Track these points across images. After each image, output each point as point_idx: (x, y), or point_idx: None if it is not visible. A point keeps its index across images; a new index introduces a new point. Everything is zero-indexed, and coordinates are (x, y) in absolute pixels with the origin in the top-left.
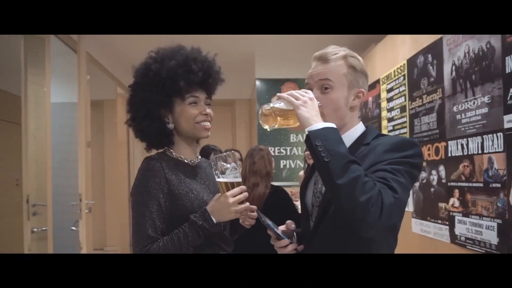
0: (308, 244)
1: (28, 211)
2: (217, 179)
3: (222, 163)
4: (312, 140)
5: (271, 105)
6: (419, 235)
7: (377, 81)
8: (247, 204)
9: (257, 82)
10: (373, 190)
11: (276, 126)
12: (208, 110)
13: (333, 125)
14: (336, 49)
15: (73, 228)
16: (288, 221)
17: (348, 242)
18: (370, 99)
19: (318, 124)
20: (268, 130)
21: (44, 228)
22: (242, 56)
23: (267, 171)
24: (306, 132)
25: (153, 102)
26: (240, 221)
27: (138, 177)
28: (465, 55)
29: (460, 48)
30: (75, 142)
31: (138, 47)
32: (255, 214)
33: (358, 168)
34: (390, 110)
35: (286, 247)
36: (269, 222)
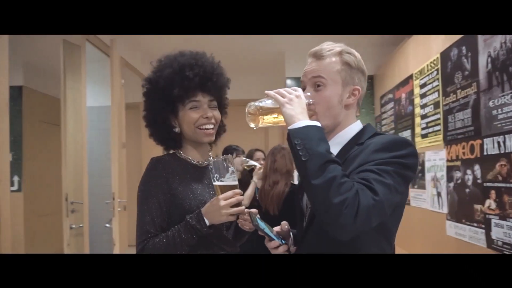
0: (300, 245)
1: (67, 209)
2: (213, 183)
3: (219, 166)
4: (291, 138)
5: (257, 103)
6: (453, 238)
7: (410, 77)
8: (240, 208)
9: (288, 81)
10: (350, 191)
11: (261, 124)
12: (210, 114)
13: (317, 124)
14: (331, 45)
15: (107, 225)
16: (283, 222)
17: (334, 244)
18: (403, 95)
19: (301, 122)
20: (254, 128)
21: (81, 225)
22: (273, 56)
23: (288, 170)
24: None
25: (157, 108)
26: (239, 224)
27: (142, 176)
28: (501, 45)
29: (496, 38)
30: (110, 143)
31: (170, 49)
32: (249, 223)
33: (336, 168)
34: (423, 106)
35: (277, 248)
36: (261, 224)
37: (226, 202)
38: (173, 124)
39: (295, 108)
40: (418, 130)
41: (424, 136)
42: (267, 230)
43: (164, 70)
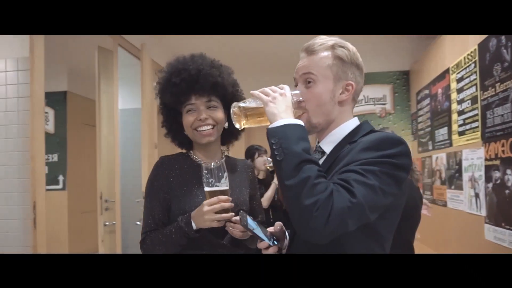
0: (290, 245)
1: (101, 207)
2: (204, 188)
3: (210, 171)
4: (269, 138)
5: (241, 103)
6: (492, 243)
7: (447, 71)
8: (224, 215)
9: None
10: (323, 193)
11: (246, 125)
12: (203, 116)
13: (298, 122)
14: (324, 39)
15: (137, 223)
16: (277, 222)
17: (321, 246)
18: (440, 91)
19: (281, 120)
20: (239, 129)
21: (113, 222)
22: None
23: None
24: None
25: (165, 113)
26: (228, 231)
27: (149, 174)
28: None
29: None
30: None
31: (199, 50)
32: (237, 231)
33: (312, 168)
34: (460, 102)
35: (268, 248)
36: (252, 224)
37: (209, 208)
38: (182, 127)
39: (278, 107)
40: (455, 127)
41: (461, 133)
42: (257, 230)
43: (161, 79)
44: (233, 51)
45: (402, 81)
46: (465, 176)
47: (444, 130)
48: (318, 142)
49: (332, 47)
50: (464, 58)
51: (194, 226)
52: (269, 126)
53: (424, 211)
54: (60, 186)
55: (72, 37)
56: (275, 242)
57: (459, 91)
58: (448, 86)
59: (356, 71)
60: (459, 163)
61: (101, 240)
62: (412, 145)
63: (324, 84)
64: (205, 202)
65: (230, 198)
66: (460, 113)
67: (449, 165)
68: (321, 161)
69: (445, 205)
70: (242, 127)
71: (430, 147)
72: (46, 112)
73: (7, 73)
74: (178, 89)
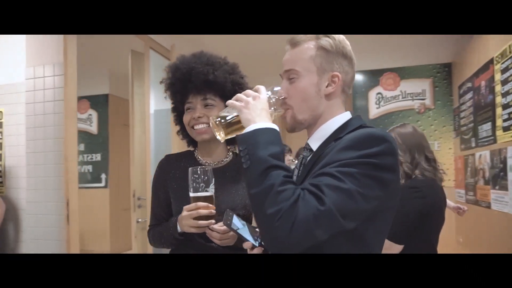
0: None
1: (134, 204)
2: (189, 193)
3: (194, 176)
4: (238, 145)
5: (220, 113)
6: None
7: (490, 61)
8: (201, 222)
9: (355, 75)
10: (287, 201)
11: (226, 135)
12: (197, 114)
13: (269, 126)
14: None
15: None
16: None
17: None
18: (483, 83)
19: (252, 126)
20: (221, 141)
21: (145, 219)
22: None
23: None
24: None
25: (172, 110)
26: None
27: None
28: None
29: None
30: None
31: (228, 50)
32: (215, 234)
33: (278, 174)
34: (505, 94)
35: (253, 249)
36: (238, 224)
37: (186, 214)
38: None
39: (252, 112)
40: (499, 122)
41: (506, 129)
42: (242, 230)
43: (163, 79)
44: (263, 51)
45: (443, 74)
46: (510, 175)
47: (487, 126)
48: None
49: (316, 37)
50: (510, 46)
51: (179, 229)
52: (240, 133)
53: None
54: (102, 184)
55: (111, 42)
56: (262, 243)
57: (504, 82)
58: (492, 77)
59: (343, 61)
60: (504, 161)
61: (134, 236)
62: (455, 142)
63: (307, 78)
64: (185, 207)
65: (211, 205)
66: (505, 106)
67: (493, 163)
68: (308, 159)
69: (489, 206)
70: (224, 139)
71: (473, 144)
72: (90, 114)
73: (44, 78)
74: (175, 88)
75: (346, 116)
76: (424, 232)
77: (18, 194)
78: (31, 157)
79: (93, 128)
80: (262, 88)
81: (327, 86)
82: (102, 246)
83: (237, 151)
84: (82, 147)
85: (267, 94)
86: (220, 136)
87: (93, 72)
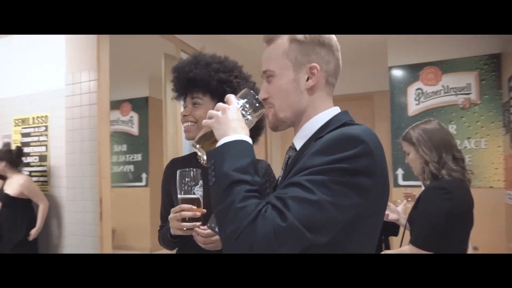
0: None
1: None
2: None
3: (181, 178)
4: (207, 161)
5: (197, 135)
6: None
7: None
8: (184, 223)
9: (392, 71)
10: (246, 218)
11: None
12: (185, 112)
13: (238, 138)
14: None
15: None
16: None
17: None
18: None
19: (221, 140)
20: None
21: None
22: (374, 46)
23: None
24: None
25: None
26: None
27: None
28: None
29: None
30: None
31: (261, 51)
32: (199, 237)
33: (240, 190)
34: None
35: None
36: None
37: (171, 216)
38: None
39: (222, 126)
40: None
41: None
42: None
43: None
44: None
45: (491, 66)
46: None
47: None
48: None
49: None
50: None
51: (172, 231)
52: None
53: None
54: (143, 183)
55: (148, 47)
56: None
57: None
58: None
59: (321, 50)
60: None
61: None
62: (504, 140)
63: (283, 75)
64: (172, 209)
65: (195, 207)
66: None
67: None
68: (290, 160)
69: None
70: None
71: None
72: (131, 116)
73: (81, 83)
74: (173, 87)
75: (331, 112)
76: (453, 237)
77: (60, 192)
78: (70, 158)
79: (134, 130)
80: (231, 97)
81: (307, 80)
82: (143, 242)
83: None
84: (124, 147)
85: (239, 101)
86: (204, 157)
87: (134, 76)
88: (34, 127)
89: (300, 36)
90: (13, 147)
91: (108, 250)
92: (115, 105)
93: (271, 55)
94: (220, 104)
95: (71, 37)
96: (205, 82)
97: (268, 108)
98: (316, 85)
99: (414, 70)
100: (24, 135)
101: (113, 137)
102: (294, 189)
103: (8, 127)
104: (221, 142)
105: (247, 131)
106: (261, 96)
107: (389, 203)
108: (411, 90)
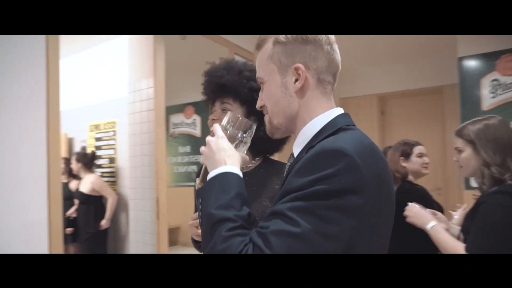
0: None
1: None
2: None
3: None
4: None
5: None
6: None
7: None
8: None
9: (463, 62)
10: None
11: None
12: (213, 116)
13: (224, 171)
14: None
15: None
16: None
17: None
18: None
19: (209, 175)
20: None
21: None
22: (441, 36)
23: (396, 169)
24: None
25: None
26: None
27: None
28: None
29: None
30: None
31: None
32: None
33: (221, 230)
34: None
35: None
36: None
37: (190, 223)
38: None
39: (210, 161)
40: None
41: None
42: None
43: None
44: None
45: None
46: None
47: None
48: None
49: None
50: None
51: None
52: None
53: None
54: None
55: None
56: None
57: None
58: None
59: (306, 47)
60: None
61: None
62: None
63: (271, 81)
64: (192, 216)
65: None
66: None
67: None
68: (287, 168)
69: None
70: None
71: None
72: (194, 119)
73: (141, 91)
74: (204, 92)
75: (328, 116)
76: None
77: (125, 192)
78: (133, 160)
79: (197, 131)
80: (216, 126)
81: (295, 82)
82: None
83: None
84: (188, 149)
85: (228, 127)
86: None
87: (196, 80)
88: (105, 132)
89: (281, 37)
90: (88, 150)
91: (164, 246)
92: (179, 108)
93: (259, 62)
94: (207, 138)
95: (133, 47)
96: (236, 88)
97: (265, 115)
98: (305, 86)
99: (490, 59)
100: (97, 139)
101: (178, 139)
102: (276, 221)
103: (84, 133)
104: (208, 178)
105: (234, 159)
106: (257, 104)
107: (436, 212)
108: (486, 82)
